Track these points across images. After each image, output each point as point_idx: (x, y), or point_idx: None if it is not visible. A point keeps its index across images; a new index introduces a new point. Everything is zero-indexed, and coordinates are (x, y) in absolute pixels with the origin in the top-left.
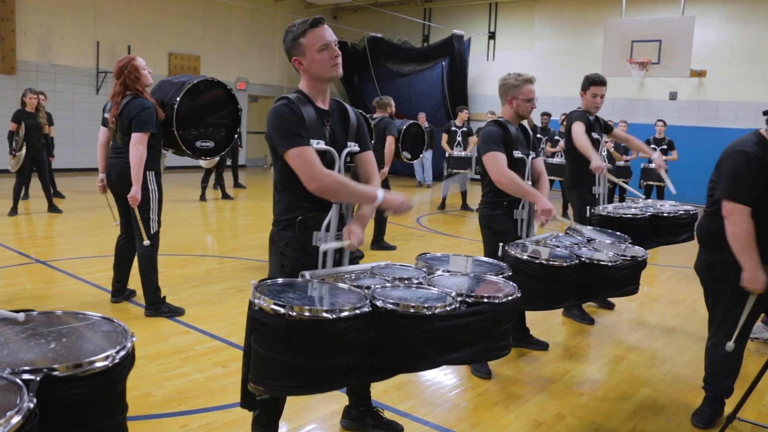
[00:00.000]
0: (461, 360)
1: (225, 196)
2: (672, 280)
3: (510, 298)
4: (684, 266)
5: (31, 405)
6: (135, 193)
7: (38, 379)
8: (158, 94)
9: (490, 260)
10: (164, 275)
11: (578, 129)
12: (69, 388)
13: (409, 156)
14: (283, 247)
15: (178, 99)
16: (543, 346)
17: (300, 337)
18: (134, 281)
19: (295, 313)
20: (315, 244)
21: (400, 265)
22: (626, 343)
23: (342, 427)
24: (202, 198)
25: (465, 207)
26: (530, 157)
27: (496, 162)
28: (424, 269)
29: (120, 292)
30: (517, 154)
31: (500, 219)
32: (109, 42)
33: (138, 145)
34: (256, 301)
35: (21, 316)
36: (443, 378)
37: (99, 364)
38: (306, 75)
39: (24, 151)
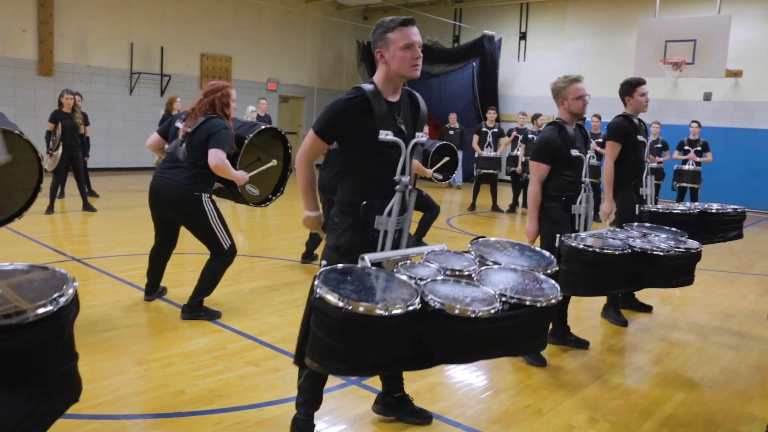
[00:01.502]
0: (499, 355)
1: None
2: (706, 284)
3: (552, 302)
4: (719, 269)
5: None
6: (241, 177)
7: None
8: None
9: (541, 251)
10: (196, 275)
11: (609, 162)
12: (15, 336)
13: (440, 177)
14: (344, 230)
15: (250, 136)
16: (583, 344)
17: (354, 329)
18: (167, 279)
19: (351, 307)
20: (376, 227)
21: (455, 253)
22: (660, 347)
23: (374, 412)
24: None
25: (495, 208)
26: (588, 156)
27: (536, 174)
28: (477, 258)
29: (153, 291)
30: (575, 152)
31: (558, 210)
32: (142, 43)
33: (218, 160)
34: (318, 290)
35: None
36: (475, 380)
37: (43, 310)
38: (384, 68)
39: (60, 150)
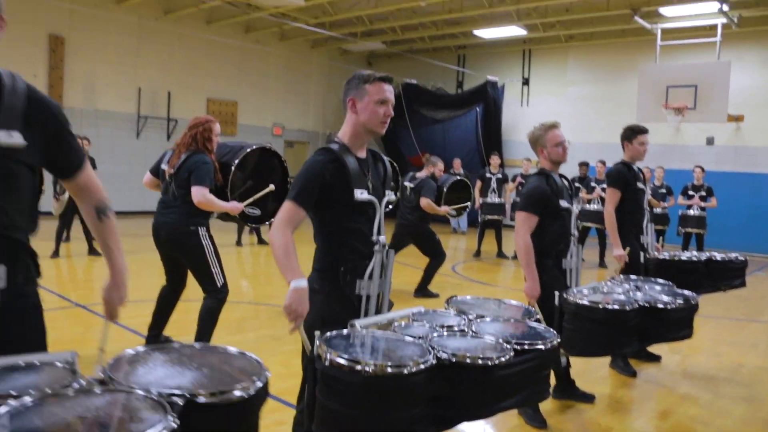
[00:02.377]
0: (513, 405)
1: (261, 241)
2: (714, 332)
3: (553, 344)
4: (726, 317)
5: (175, 425)
6: (234, 207)
7: (182, 402)
8: (215, 154)
9: (516, 303)
10: None
11: (610, 208)
12: (207, 415)
13: (454, 213)
14: (325, 297)
15: (236, 161)
16: (589, 398)
17: (374, 392)
18: (170, 327)
19: (370, 369)
20: (358, 293)
21: (438, 312)
22: (671, 398)
23: None
24: (238, 243)
25: (500, 254)
26: (575, 207)
27: (525, 225)
28: (462, 315)
29: (155, 339)
30: (564, 203)
31: (549, 269)
32: (150, 88)
33: (201, 196)
34: (328, 356)
35: None
36: None
37: (236, 394)
38: (352, 120)
39: (67, 194)
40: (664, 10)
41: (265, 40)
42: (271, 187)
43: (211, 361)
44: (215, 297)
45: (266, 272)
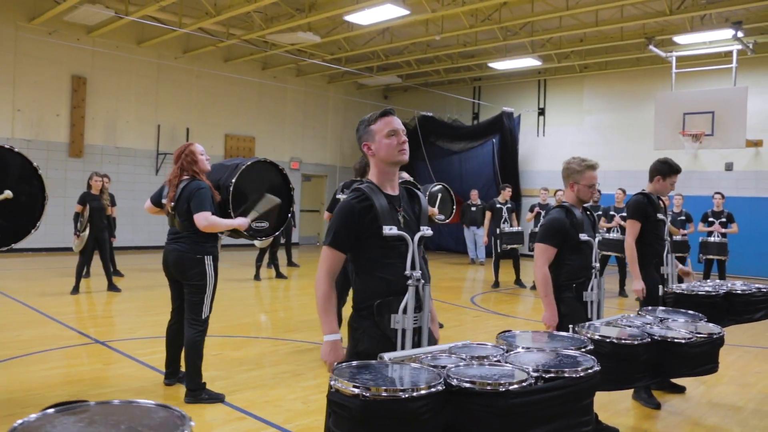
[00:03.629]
0: None
1: (279, 275)
2: (741, 361)
3: (589, 372)
4: (754, 345)
5: None
6: (242, 223)
7: None
8: (212, 177)
9: (570, 335)
10: (219, 358)
11: (630, 240)
12: None
13: (442, 217)
14: (361, 334)
15: (233, 180)
16: None
17: (376, 418)
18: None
19: (369, 394)
20: (393, 327)
21: (478, 344)
22: (698, 431)
23: None
24: (257, 277)
25: (518, 282)
26: (596, 240)
27: (543, 256)
28: (503, 347)
29: (173, 375)
30: (584, 237)
31: (568, 302)
32: (169, 125)
33: (204, 221)
34: (333, 383)
35: None
36: None
37: None
38: (374, 161)
39: (87, 231)
40: (679, 39)
41: (282, 77)
42: (277, 200)
43: (130, 416)
44: (197, 328)
45: (285, 307)
